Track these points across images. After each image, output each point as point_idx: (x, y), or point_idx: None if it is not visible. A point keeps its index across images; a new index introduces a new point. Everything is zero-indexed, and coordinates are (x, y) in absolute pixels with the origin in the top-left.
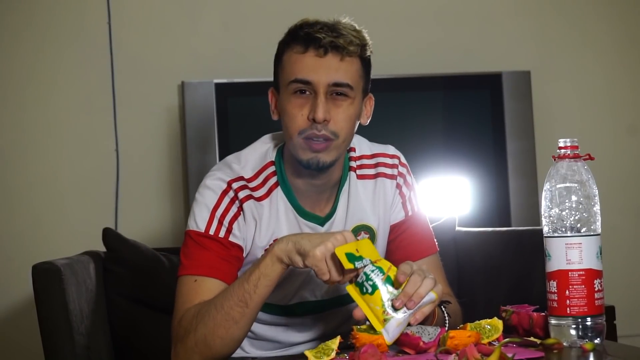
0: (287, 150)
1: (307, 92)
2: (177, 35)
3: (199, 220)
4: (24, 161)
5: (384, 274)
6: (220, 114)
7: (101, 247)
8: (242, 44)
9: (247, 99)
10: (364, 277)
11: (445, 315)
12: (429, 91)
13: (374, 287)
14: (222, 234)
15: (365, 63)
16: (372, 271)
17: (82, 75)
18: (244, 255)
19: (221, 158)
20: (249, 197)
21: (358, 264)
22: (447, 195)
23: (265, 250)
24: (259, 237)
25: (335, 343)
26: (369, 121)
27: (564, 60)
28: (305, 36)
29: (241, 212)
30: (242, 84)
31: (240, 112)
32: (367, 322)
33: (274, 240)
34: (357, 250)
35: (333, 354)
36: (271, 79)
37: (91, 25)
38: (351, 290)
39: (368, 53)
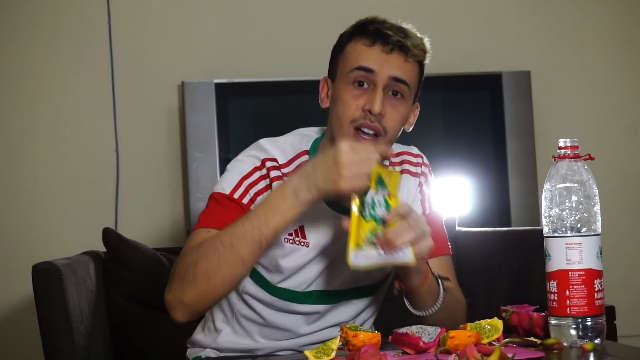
0: (326, 142)
1: (366, 85)
2: (177, 35)
3: (226, 184)
4: (24, 161)
5: (388, 212)
6: (220, 114)
7: (101, 247)
8: (242, 44)
9: (247, 99)
10: (371, 202)
11: (441, 288)
12: (429, 91)
13: (371, 216)
14: (245, 200)
15: (422, 70)
16: (380, 203)
17: (82, 75)
18: None
19: (221, 158)
20: (279, 177)
21: (380, 189)
22: (447, 195)
23: (276, 193)
24: None
25: (335, 343)
26: (411, 129)
27: (564, 60)
28: (374, 31)
29: (269, 190)
30: (242, 84)
31: (240, 112)
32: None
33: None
34: (387, 177)
35: (333, 354)
36: (270, 79)
37: (91, 25)
38: (355, 201)
39: (427, 61)
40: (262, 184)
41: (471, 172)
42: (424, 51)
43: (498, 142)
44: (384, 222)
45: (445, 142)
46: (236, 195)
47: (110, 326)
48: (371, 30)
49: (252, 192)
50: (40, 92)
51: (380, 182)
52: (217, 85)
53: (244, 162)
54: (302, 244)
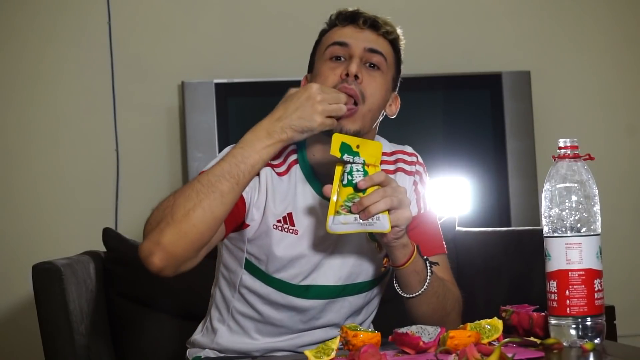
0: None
1: (343, 59)
2: (177, 35)
3: (213, 163)
4: (25, 161)
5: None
6: (220, 114)
7: (101, 247)
8: (242, 44)
9: (247, 99)
10: (349, 169)
11: (428, 272)
12: (429, 91)
13: (349, 183)
14: None
15: (397, 54)
16: (357, 170)
17: (83, 75)
18: (248, 219)
19: None
20: (269, 164)
21: (347, 157)
22: (447, 195)
23: (249, 137)
24: (273, 206)
25: (335, 343)
26: (394, 117)
27: (564, 60)
28: (346, 15)
29: (256, 175)
30: (242, 84)
31: (240, 112)
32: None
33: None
34: (357, 146)
35: (333, 354)
36: (270, 79)
37: (91, 25)
38: (338, 168)
39: (399, 46)
40: None
41: (471, 172)
42: (396, 34)
43: (498, 142)
44: (363, 190)
45: (445, 142)
46: None
47: (110, 326)
48: (343, 17)
49: None
50: (40, 92)
51: (346, 149)
52: (217, 85)
53: None
54: (291, 231)
